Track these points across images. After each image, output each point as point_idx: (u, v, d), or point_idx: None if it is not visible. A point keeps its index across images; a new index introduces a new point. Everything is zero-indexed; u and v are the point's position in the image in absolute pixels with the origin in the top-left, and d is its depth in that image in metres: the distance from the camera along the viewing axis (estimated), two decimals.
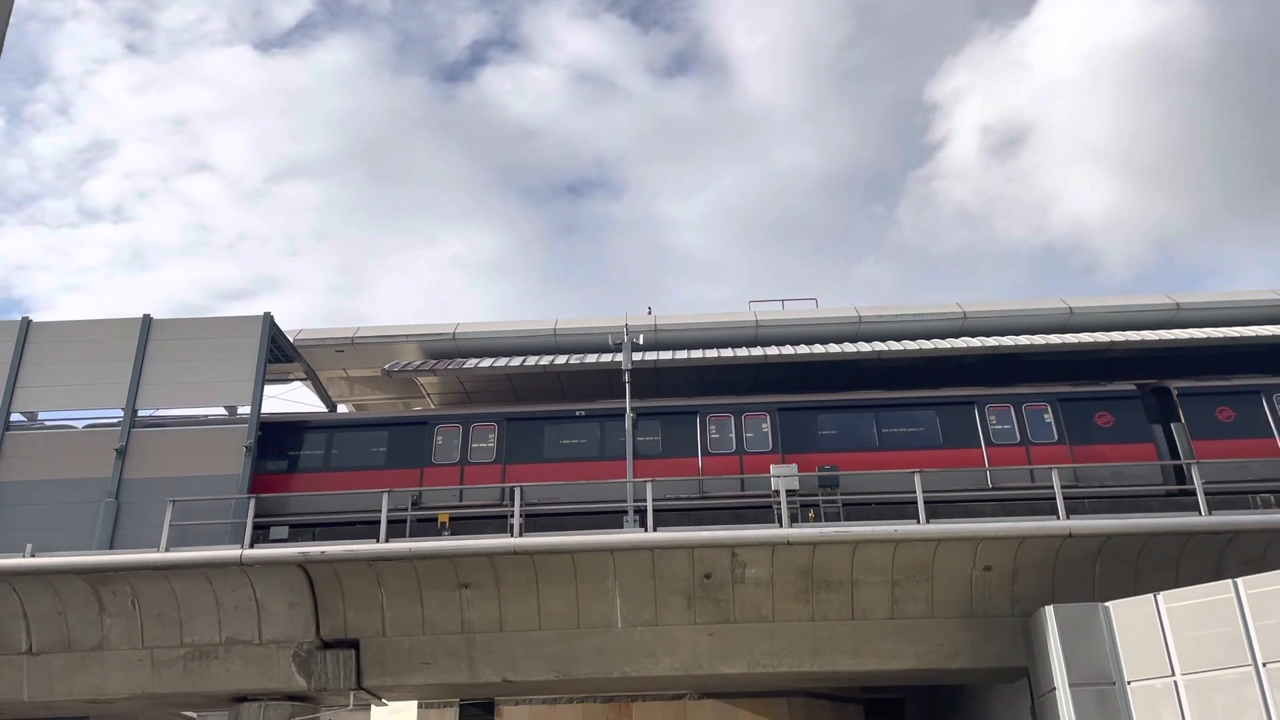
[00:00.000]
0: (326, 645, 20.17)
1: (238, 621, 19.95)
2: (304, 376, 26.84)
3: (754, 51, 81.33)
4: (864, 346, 25.46)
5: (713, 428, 23.13)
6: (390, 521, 19.92)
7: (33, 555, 19.47)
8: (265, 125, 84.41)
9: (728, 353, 25.66)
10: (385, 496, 20.15)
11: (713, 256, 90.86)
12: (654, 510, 19.61)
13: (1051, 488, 19.38)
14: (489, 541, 19.48)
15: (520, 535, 19.52)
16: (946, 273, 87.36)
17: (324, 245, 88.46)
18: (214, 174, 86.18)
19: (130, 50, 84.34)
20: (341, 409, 29.21)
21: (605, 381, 25.20)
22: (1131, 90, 72.90)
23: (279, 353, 24.74)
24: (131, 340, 23.21)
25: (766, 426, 22.99)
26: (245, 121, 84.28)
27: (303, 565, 19.49)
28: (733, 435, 23.01)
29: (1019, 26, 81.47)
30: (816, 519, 20.75)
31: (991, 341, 25.36)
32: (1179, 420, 22.46)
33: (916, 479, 19.49)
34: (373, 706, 24.79)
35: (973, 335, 26.13)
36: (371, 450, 23.29)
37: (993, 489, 21.64)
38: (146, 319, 23.51)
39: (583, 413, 23.66)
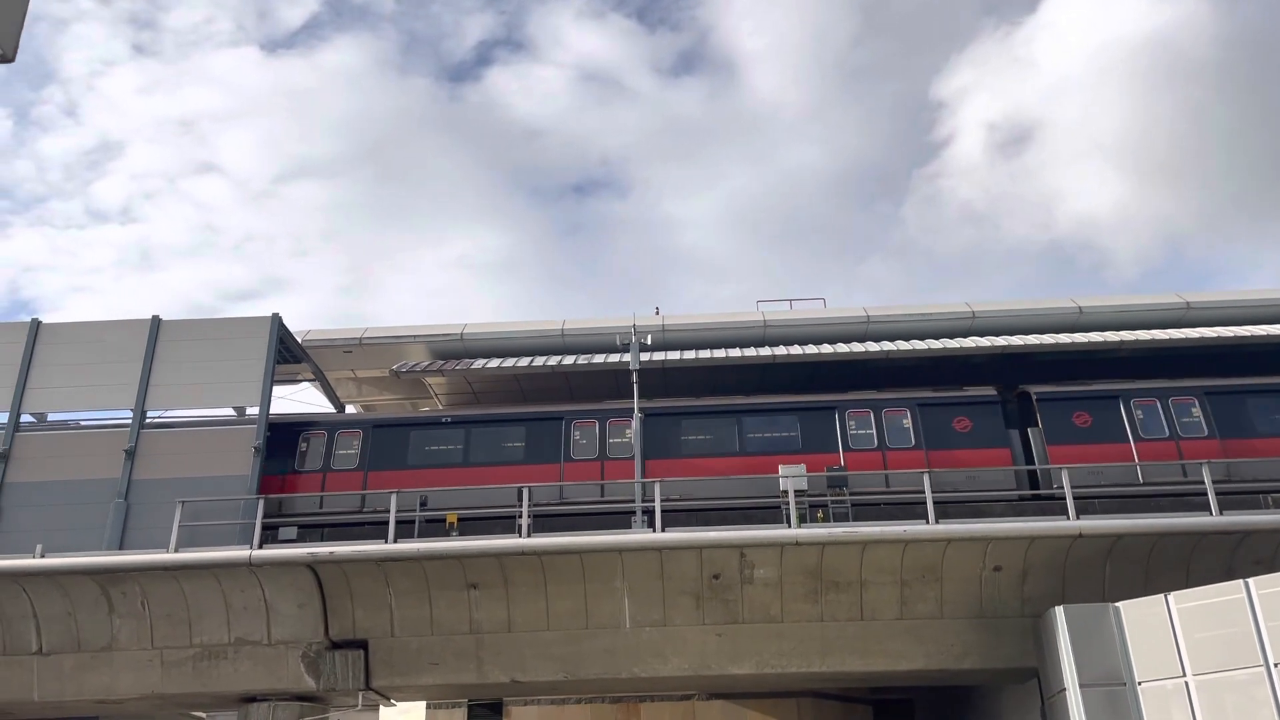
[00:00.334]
0: (335, 646, 20.19)
1: (247, 622, 19.98)
2: (312, 377, 26.88)
3: (760, 50, 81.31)
4: (872, 346, 25.41)
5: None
6: (399, 522, 19.94)
7: (43, 556, 19.53)
8: (272, 126, 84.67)
9: (735, 353, 25.63)
10: (394, 497, 20.16)
11: (719, 256, 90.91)
12: (663, 511, 19.60)
13: (903, 491, 20.26)
14: (497, 542, 19.47)
15: (528, 536, 19.52)
16: (952, 271, 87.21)
17: (331, 246, 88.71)
18: (221, 175, 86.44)
19: (137, 51, 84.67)
20: (350, 410, 29.25)
21: (613, 382, 25.19)
22: (1139, 87, 72.73)
23: (287, 353, 24.78)
24: (140, 341, 23.27)
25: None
26: (252, 122, 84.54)
27: (311, 566, 19.51)
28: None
29: (1025, 23, 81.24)
30: (825, 519, 20.69)
31: (1001, 341, 25.28)
32: (1037, 425, 22.60)
33: (925, 480, 19.45)
34: (381, 707, 24.81)
35: (982, 335, 26.05)
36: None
37: (853, 492, 21.70)
38: (155, 320, 23.57)
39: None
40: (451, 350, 26.94)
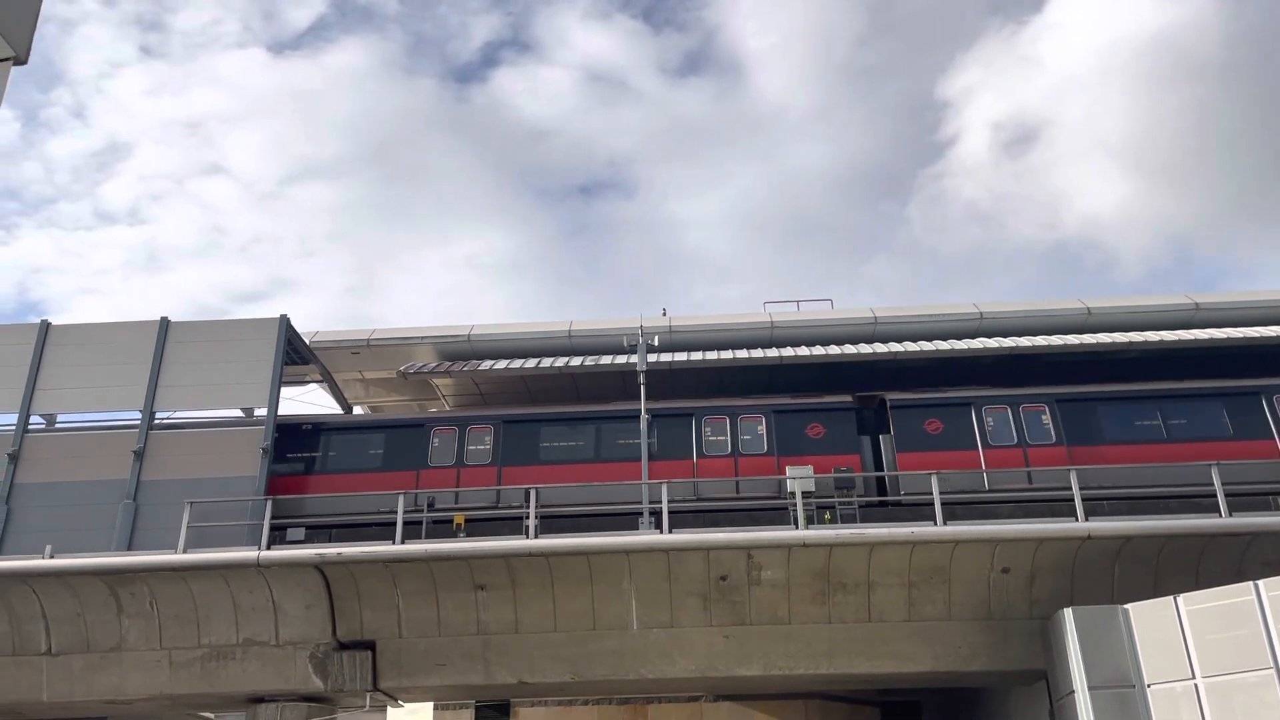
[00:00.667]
0: (343, 646, 20.23)
1: (255, 622, 20.03)
2: (320, 378, 26.95)
3: (766, 50, 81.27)
4: (880, 348, 25.37)
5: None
6: (406, 524, 19.96)
7: (52, 557, 19.61)
8: (278, 127, 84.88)
9: (743, 354, 25.62)
10: (401, 498, 20.19)
11: (724, 256, 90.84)
12: (669, 512, 19.59)
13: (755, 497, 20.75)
14: (505, 543, 19.49)
15: (536, 537, 19.53)
16: (957, 271, 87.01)
17: (337, 247, 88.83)
18: (228, 176, 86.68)
19: (145, 53, 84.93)
20: (357, 411, 29.31)
21: (620, 383, 25.19)
22: (1144, 87, 72.54)
23: (295, 355, 24.84)
24: (149, 343, 23.33)
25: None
26: (259, 123, 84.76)
27: (319, 567, 19.56)
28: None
29: (1031, 23, 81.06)
30: (833, 520, 20.66)
31: (1009, 342, 25.21)
32: (889, 432, 22.87)
33: (933, 481, 19.42)
34: (389, 708, 24.82)
35: (989, 336, 25.98)
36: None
37: (700, 499, 22.02)
38: (164, 321, 23.65)
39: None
40: (459, 351, 26.98)
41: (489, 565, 19.49)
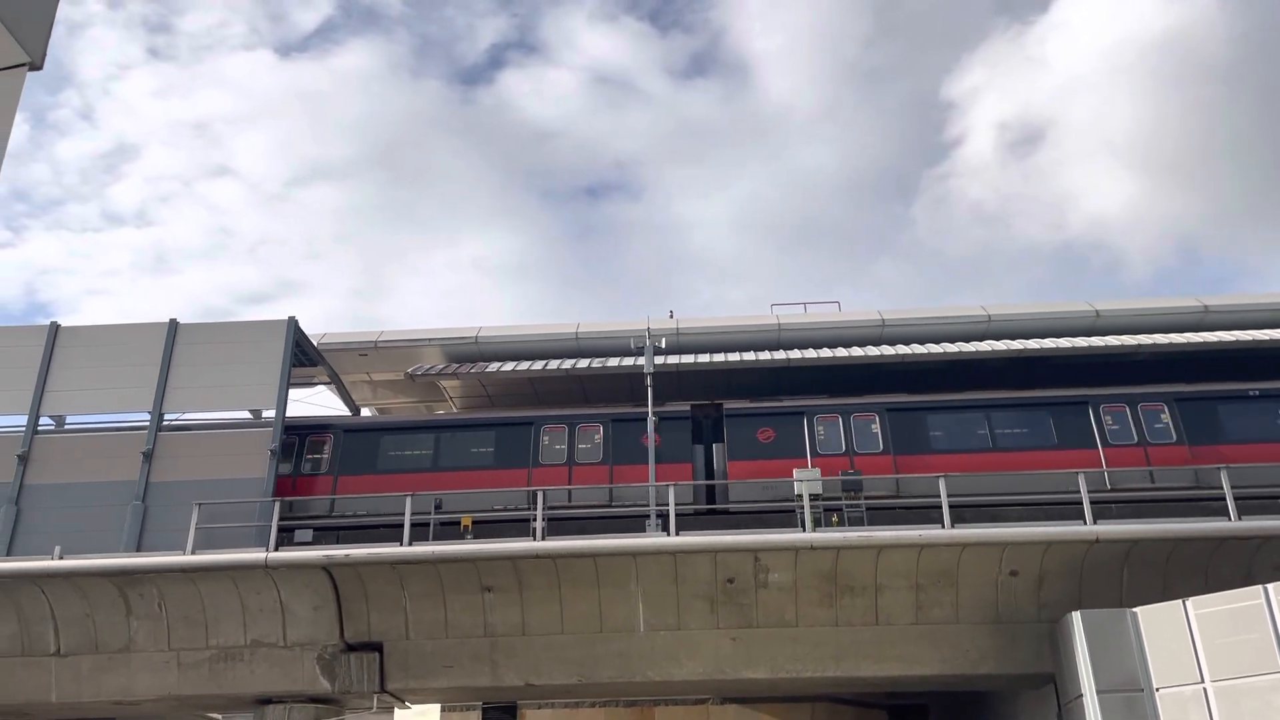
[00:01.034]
0: (350, 648, 20.25)
1: (263, 624, 20.07)
2: (328, 380, 27.00)
3: (772, 52, 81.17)
4: (887, 350, 25.35)
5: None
6: (413, 525, 19.99)
7: (61, 558, 19.67)
8: (285, 129, 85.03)
9: (750, 356, 25.61)
10: (409, 500, 20.23)
11: (730, 258, 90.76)
12: (676, 514, 19.60)
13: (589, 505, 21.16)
14: (511, 545, 19.50)
15: (543, 539, 19.54)
16: (963, 273, 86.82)
17: (344, 248, 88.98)
18: (235, 178, 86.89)
19: (152, 55, 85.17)
20: (365, 413, 29.36)
21: (627, 385, 25.21)
22: (1151, 87, 72.28)
23: (303, 356, 24.90)
24: (158, 344, 23.42)
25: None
26: (266, 125, 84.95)
27: (327, 568, 19.58)
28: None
29: (1037, 23, 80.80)
30: (840, 523, 20.65)
31: (1017, 345, 25.17)
32: (723, 440, 23.12)
33: (941, 484, 19.40)
34: (396, 710, 24.85)
35: (997, 339, 25.93)
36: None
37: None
38: (173, 323, 23.72)
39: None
40: (466, 353, 27.01)
41: (496, 567, 19.50)
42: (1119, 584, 19.08)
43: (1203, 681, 16.39)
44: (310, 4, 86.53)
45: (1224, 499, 18.98)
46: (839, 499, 21.04)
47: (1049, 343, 25.21)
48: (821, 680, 20.48)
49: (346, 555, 19.41)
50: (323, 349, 25.99)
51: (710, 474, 22.92)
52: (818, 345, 26.30)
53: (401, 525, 19.81)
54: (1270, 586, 16.20)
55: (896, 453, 22.63)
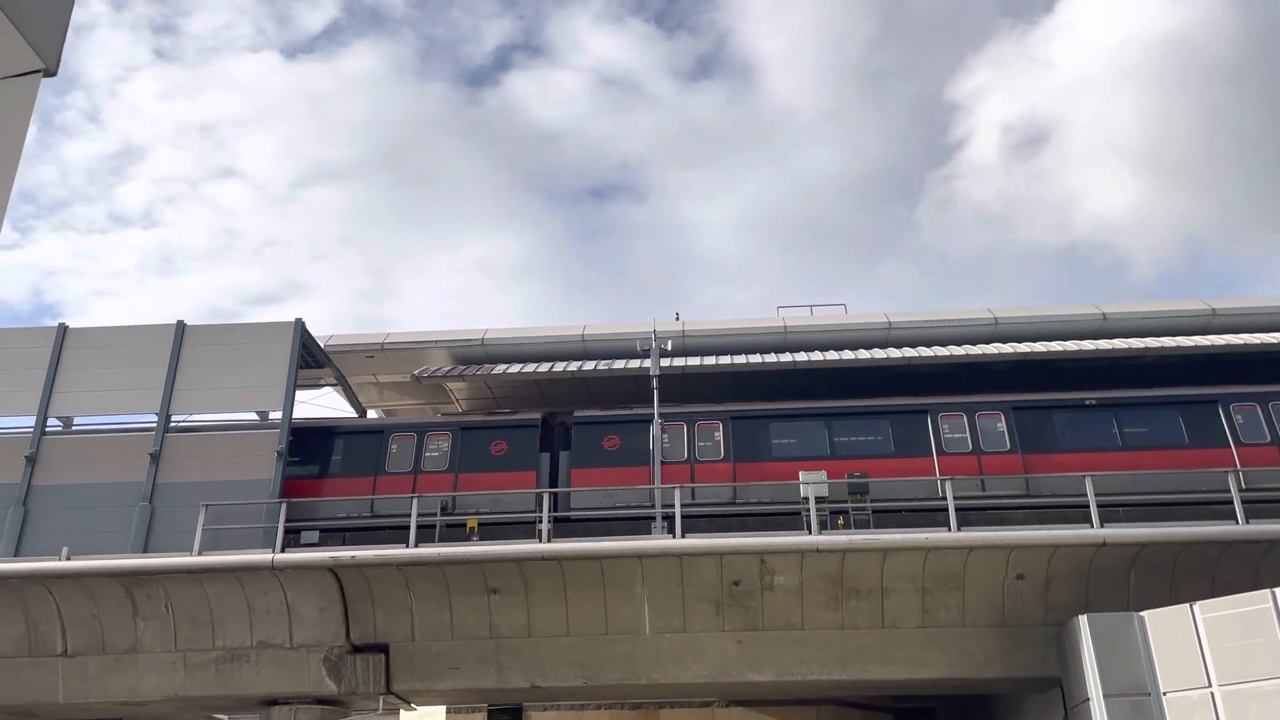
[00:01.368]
0: (356, 649, 20.28)
1: (269, 625, 20.10)
2: (335, 382, 27.03)
3: (778, 54, 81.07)
4: (894, 353, 25.33)
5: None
6: (420, 526, 20.03)
7: (68, 558, 19.73)
8: (291, 130, 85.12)
9: (756, 358, 25.60)
10: (415, 502, 20.27)
11: (736, 260, 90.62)
12: (683, 516, 19.60)
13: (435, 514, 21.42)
14: (518, 547, 19.52)
15: (549, 541, 19.55)
16: (967, 274, 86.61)
17: (349, 250, 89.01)
18: (241, 179, 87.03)
19: (159, 56, 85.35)
20: (371, 414, 29.40)
21: (634, 387, 25.21)
22: (1156, 87, 72.06)
23: (310, 358, 24.93)
24: (165, 346, 23.46)
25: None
26: (271, 127, 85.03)
27: (333, 570, 19.62)
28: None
29: (1042, 23, 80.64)
30: (846, 526, 20.63)
31: (1024, 348, 25.12)
32: (569, 448, 23.39)
33: (947, 486, 19.38)
34: (401, 711, 24.89)
35: (1004, 341, 25.89)
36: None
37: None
38: (180, 325, 23.77)
39: None
40: (473, 355, 27.04)
41: (502, 569, 19.51)
42: (1126, 588, 19.04)
43: (1210, 686, 16.33)
44: (316, 6, 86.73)
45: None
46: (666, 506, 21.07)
47: (1056, 346, 25.16)
48: (827, 683, 20.46)
49: (353, 557, 19.44)
50: (329, 351, 26.03)
51: (554, 481, 23.11)
52: (824, 348, 26.29)
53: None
54: (1278, 590, 16.15)
55: (737, 460, 22.75)
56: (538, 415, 24.28)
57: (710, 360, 25.57)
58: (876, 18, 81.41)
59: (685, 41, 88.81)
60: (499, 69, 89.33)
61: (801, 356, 25.49)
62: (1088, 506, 19.11)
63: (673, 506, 19.84)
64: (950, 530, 18.92)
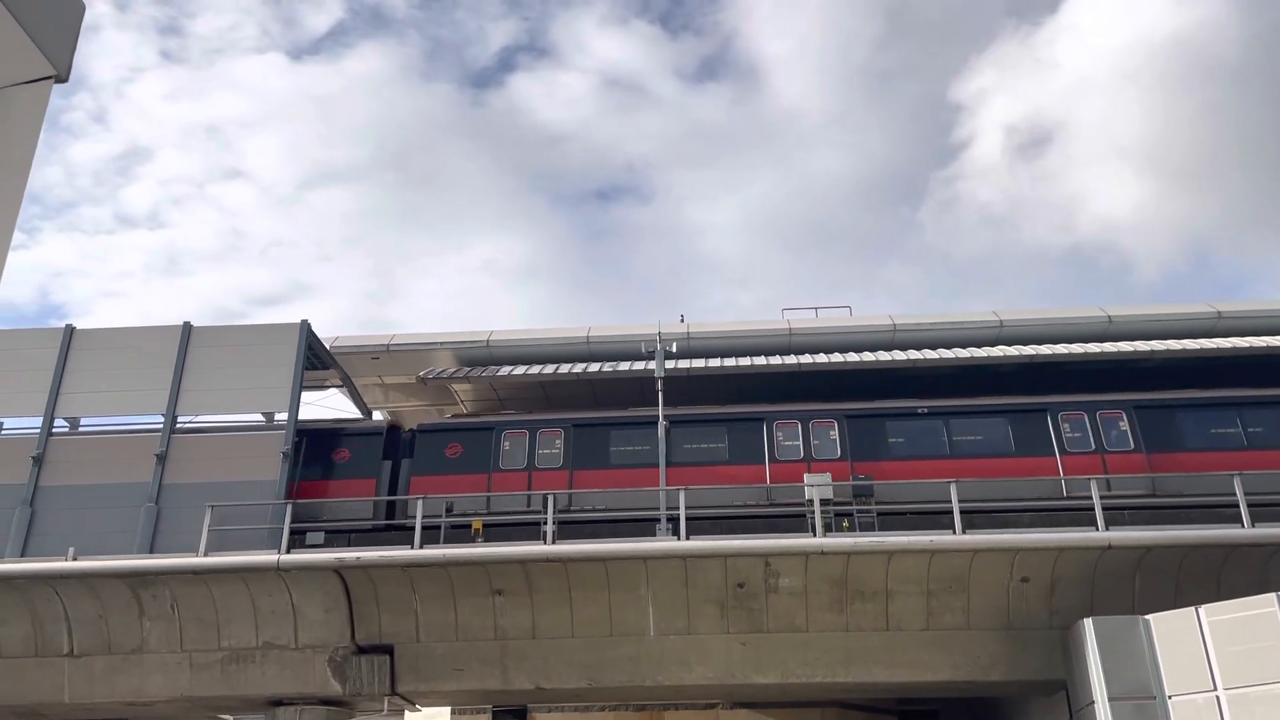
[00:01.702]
0: (361, 650, 20.32)
1: (274, 626, 20.15)
2: (340, 383, 27.09)
3: (783, 55, 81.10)
4: (899, 355, 25.32)
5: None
6: (424, 528, 20.06)
7: (75, 559, 19.79)
8: (297, 132, 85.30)
9: (761, 361, 25.60)
10: (420, 503, 20.30)
11: (741, 261, 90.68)
12: (687, 518, 19.61)
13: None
14: (522, 548, 19.55)
15: (553, 543, 19.57)
16: (971, 276, 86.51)
17: (355, 251, 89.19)
18: (247, 180, 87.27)
19: (165, 58, 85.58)
20: (376, 416, 29.44)
21: (638, 389, 25.23)
22: (1160, 89, 71.96)
23: (316, 360, 25.00)
24: (172, 347, 23.53)
25: None
26: (277, 128, 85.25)
27: (338, 571, 19.66)
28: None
29: (1046, 24, 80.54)
30: (851, 528, 20.63)
31: (1029, 350, 25.11)
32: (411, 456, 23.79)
33: (952, 489, 19.36)
34: (406, 712, 24.91)
35: (1009, 344, 25.88)
36: None
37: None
38: (187, 326, 23.84)
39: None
40: (478, 357, 27.07)
41: (507, 570, 19.54)
42: (1131, 591, 19.02)
43: (1215, 689, 16.31)
44: (321, 7, 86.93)
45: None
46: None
47: (1061, 348, 25.14)
48: (832, 685, 20.44)
49: (358, 558, 19.49)
50: (335, 352, 26.08)
51: (394, 488, 23.32)
52: (829, 350, 26.29)
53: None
54: None
55: (575, 468, 22.99)
56: (383, 424, 25.16)
57: (715, 362, 25.58)
58: (881, 19, 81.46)
59: (690, 43, 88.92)
60: (504, 70, 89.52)
61: (807, 359, 25.49)
62: (1092, 509, 19.11)
63: (680, 507, 19.82)
64: (955, 533, 18.91)
